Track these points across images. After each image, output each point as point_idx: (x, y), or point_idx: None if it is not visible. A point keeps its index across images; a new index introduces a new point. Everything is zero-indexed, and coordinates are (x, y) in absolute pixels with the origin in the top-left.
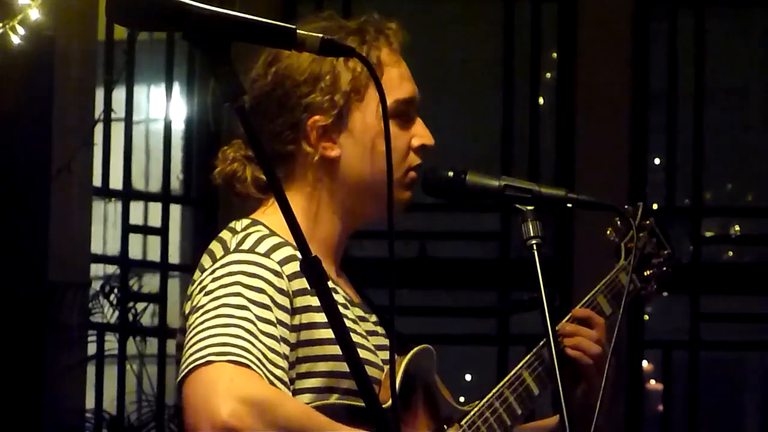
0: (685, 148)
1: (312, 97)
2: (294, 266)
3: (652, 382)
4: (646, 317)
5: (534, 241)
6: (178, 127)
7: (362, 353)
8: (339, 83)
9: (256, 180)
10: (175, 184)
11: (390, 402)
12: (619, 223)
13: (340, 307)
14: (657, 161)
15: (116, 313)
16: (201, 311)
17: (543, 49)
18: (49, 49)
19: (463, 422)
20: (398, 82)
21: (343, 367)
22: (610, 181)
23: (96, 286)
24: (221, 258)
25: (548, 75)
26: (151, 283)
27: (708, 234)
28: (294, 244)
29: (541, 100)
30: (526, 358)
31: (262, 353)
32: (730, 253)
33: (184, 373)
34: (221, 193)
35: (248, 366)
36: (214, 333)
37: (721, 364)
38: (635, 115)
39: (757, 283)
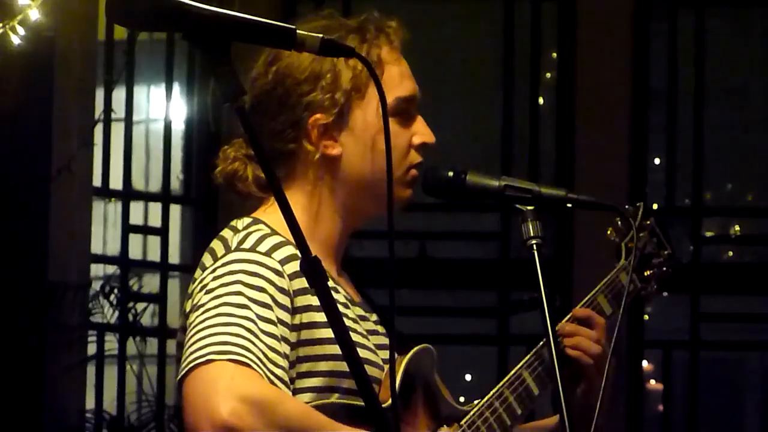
0: (685, 148)
1: (313, 95)
2: (295, 265)
3: (652, 382)
4: (646, 317)
5: (534, 241)
6: (178, 127)
7: (362, 352)
8: (340, 81)
9: (257, 179)
10: (175, 184)
11: (390, 401)
12: (619, 223)
13: (340, 307)
14: (657, 161)
15: (116, 313)
16: (202, 310)
17: (543, 49)
18: (49, 50)
19: (462, 422)
20: (399, 80)
21: (344, 366)
22: (610, 181)
23: (96, 286)
24: (222, 257)
25: (548, 75)
26: (151, 283)
27: (708, 234)
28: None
29: (541, 100)
30: (526, 358)
31: (263, 352)
32: (730, 253)
33: (184, 372)
34: (221, 193)
35: (249, 365)
36: (214, 331)
37: (721, 364)
38: (635, 115)
39: (757, 283)
